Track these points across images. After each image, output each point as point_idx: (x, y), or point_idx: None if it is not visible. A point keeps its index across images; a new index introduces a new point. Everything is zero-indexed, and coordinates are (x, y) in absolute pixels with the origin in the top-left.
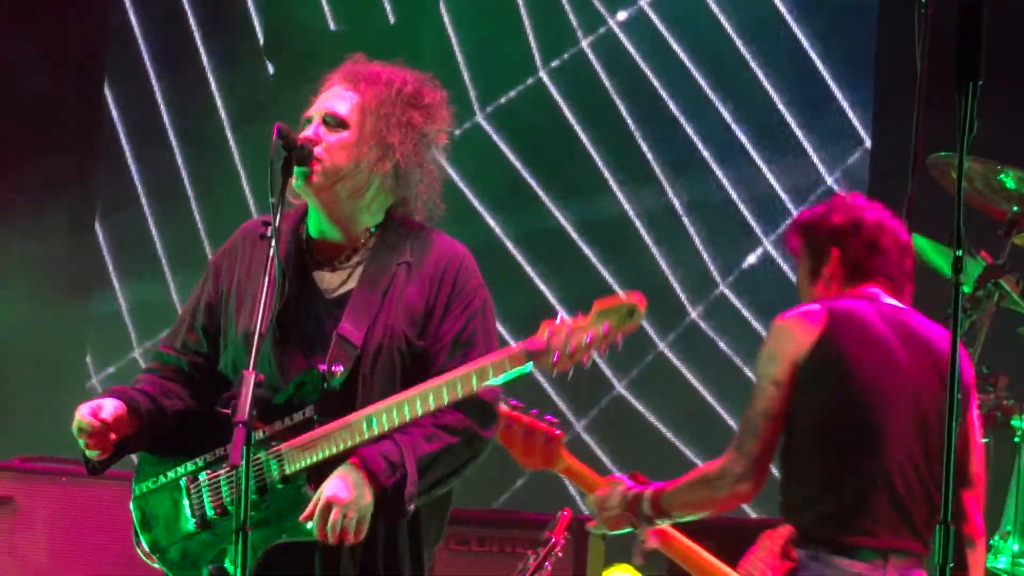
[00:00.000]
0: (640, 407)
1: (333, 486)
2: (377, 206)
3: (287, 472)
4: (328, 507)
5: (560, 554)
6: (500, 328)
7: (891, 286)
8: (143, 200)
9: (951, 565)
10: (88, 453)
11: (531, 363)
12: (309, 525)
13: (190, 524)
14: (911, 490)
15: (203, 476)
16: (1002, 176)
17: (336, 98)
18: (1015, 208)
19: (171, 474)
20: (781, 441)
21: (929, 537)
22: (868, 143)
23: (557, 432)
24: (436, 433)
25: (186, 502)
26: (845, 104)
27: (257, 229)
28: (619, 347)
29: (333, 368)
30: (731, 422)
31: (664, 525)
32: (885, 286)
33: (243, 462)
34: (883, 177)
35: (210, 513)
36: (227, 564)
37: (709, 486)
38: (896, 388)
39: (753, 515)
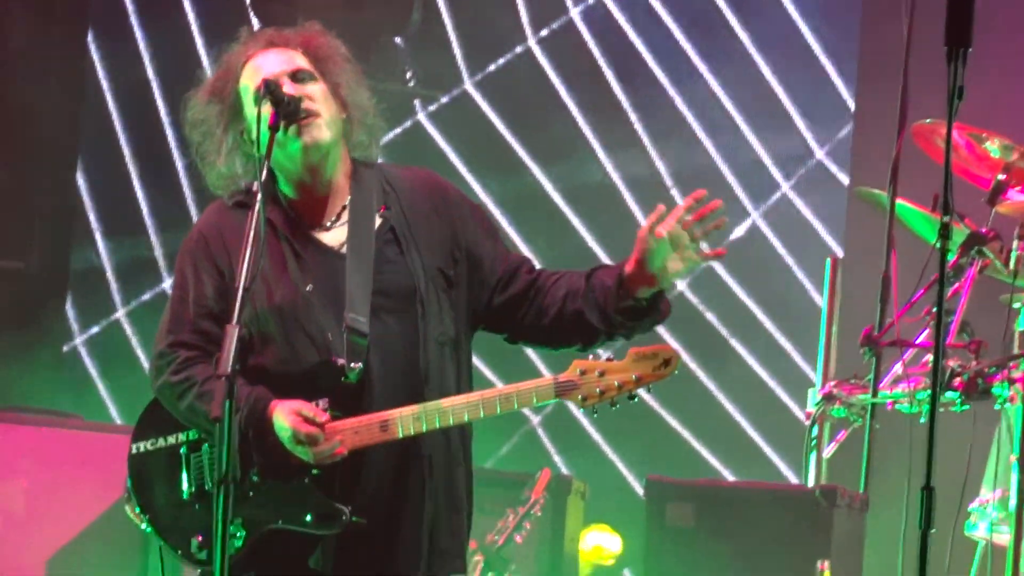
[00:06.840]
0: None
1: None
2: (343, 154)
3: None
4: None
5: (539, 513)
6: None
7: None
8: (127, 156)
9: (934, 530)
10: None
11: (558, 396)
12: (308, 517)
13: (185, 493)
14: None
15: (206, 447)
16: (987, 144)
17: (284, 59)
18: (999, 176)
19: (171, 439)
20: None
21: None
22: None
23: None
24: None
25: (184, 471)
26: (834, 74)
27: (225, 208)
28: (650, 391)
29: (352, 364)
30: (717, 395)
31: None
32: None
33: (224, 414)
34: (868, 144)
35: (209, 485)
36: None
37: None
38: None
39: (730, 477)
